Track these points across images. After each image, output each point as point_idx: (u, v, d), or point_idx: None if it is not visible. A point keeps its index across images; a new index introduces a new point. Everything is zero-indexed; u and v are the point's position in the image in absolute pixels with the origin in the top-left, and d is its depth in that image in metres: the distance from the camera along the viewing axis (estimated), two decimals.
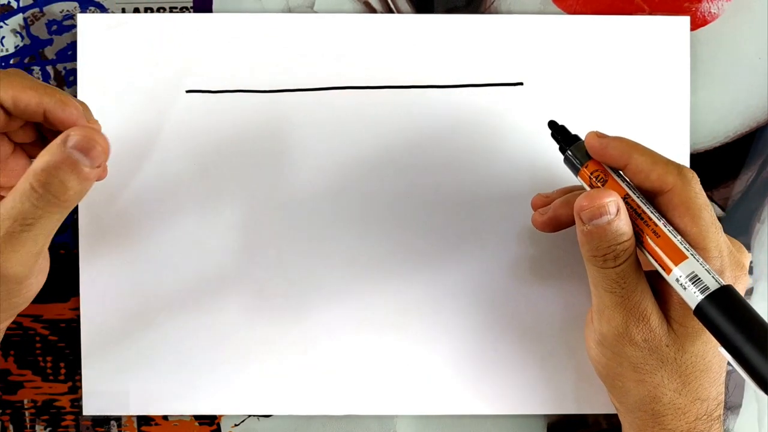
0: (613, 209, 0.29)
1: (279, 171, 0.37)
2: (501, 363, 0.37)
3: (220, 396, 0.37)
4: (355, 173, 0.37)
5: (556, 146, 0.34)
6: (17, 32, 0.38)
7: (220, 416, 0.38)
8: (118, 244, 0.37)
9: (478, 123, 0.37)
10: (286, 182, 0.37)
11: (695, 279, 0.28)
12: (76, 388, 0.38)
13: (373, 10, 0.38)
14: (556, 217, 0.33)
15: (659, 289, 0.31)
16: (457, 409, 0.37)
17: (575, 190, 0.34)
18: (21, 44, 0.38)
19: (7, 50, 0.38)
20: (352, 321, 0.37)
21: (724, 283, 0.28)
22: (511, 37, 0.37)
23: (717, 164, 0.38)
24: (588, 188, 0.32)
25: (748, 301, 0.38)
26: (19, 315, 0.35)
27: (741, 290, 0.31)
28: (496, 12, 0.38)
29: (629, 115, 0.37)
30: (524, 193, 0.37)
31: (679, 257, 0.29)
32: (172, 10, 0.38)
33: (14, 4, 0.38)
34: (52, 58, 0.38)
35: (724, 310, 0.27)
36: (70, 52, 0.38)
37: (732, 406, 0.38)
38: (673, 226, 0.30)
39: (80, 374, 0.37)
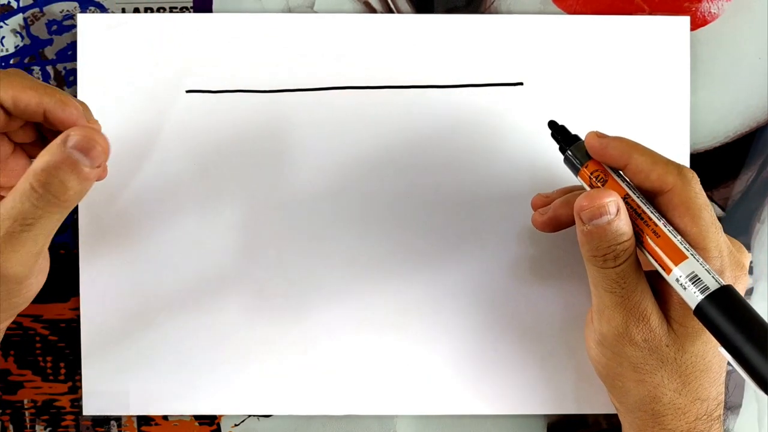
0: (613, 209, 0.29)
1: (279, 171, 0.37)
2: (501, 363, 0.37)
3: (220, 396, 0.37)
4: (355, 173, 0.37)
5: (557, 146, 0.34)
6: (17, 32, 0.38)
7: (220, 416, 0.38)
8: (118, 244, 0.37)
9: (478, 123, 0.37)
10: (286, 182, 0.37)
11: (695, 279, 0.28)
12: (76, 388, 0.38)
13: (373, 10, 0.38)
14: (556, 217, 0.33)
15: (659, 289, 0.31)
16: (457, 409, 0.37)
17: (575, 190, 0.34)
18: (21, 44, 0.38)
19: (7, 50, 0.38)
20: (352, 321, 0.37)
21: (724, 283, 0.28)
22: (511, 37, 0.37)
23: (717, 164, 0.38)
24: (588, 188, 0.32)
25: (748, 301, 0.38)
26: (19, 315, 0.35)
27: (741, 290, 0.30)
28: (496, 12, 0.38)
29: (629, 115, 0.37)
30: (524, 193, 0.37)
31: (679, 257, 0.29)
32: (172, 10, 0.38)
33: (14, 4, 0.38)
34: (52, 58, 0.38)
35: (724, 310, 0.27)
36: (70, 52, 0.38)
37: (732, 406, 0.38)
38: (673, 226, 0.30)
39: (80, 374, 0.37)
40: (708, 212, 0.30)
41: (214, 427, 0.38)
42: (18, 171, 0.32)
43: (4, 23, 0.38)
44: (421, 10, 0.38)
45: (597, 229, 0.29)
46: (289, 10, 0.38)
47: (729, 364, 0.32)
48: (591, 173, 0.32)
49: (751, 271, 0.38)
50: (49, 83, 0.35)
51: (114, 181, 0.36)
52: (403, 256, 0.37)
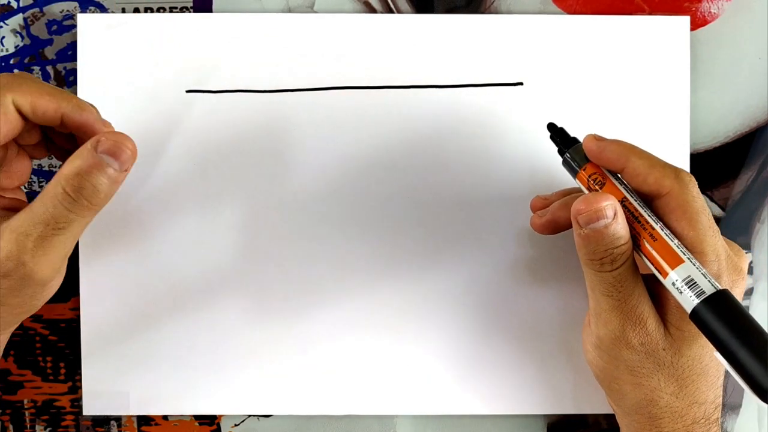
0: (610, 213, 0.29)
1: (279, 171, 0.37)
2: (501, 363, 0.37)
3: (220, 396, 0.37)
4: (355, 173, 0.37)
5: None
6: (17, 32, 0.38)
7: (220, 416, 0.38)
8: (118, 244, 0.37)
9: (478, 123, 0.37)
10: (286, 182, 0.37)
11: (691, 283, 0.28)
12: (76, 388, 0.38)
13: (373, 10, 0.38)
14: (555, 219, 0.33)
15: (657, 292, 0.31)
16: (457, 410, 0.37)
17: (574, 193, 0.34)
18: (21, 44, 0.38)
19: (7, 50, 0.38)
20: (352, 321, 0.37)
21: (720, 287, 0.28)
22: (511, 37, 0.37)
23: (717, 164, 0.38)
24: (586, 191, 0.32)
25: (748, 301, 0.38)
26: None
27: (739, 294, 0.30)
28: (496, 12, 0.38)
29: (629, 115, 0.37)
30: (524, 193, 0.37)
31: (675, 261, 0.29)
32: (172, 10, 0.38)
33: (14, 4, 0.38)
34: (52, 58, 0.38)
35: (720, 314, 0.27)
36: (70, 52, 0.38)
37: (732, 406, 0.38)
38: (670, 230, 0.30)
39: (80, 374, 0.37)
40: (705, 216, 0.30)
41: (214, 427, 0.38)
42: (20, 173, 0.32)
43: (4, 23, 0.38)
44: (421, 10, 0.38)
45: (594, 233, 0.29)
46: (289, 10, 0.38)
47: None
48: (589, 176, 0.32)
49: (751, 271, 0.38)
50: (48, 83, 0.35)
51: None
52: (404, 257, 0.37)
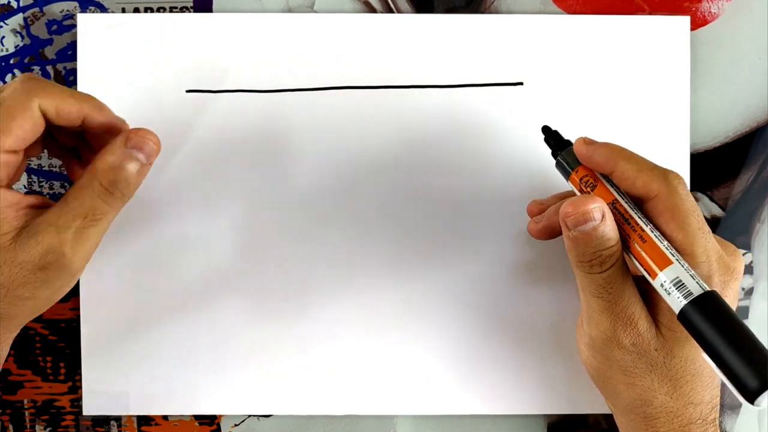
0: (598, 215, 0.29)
1: (279, 171, 0.37)
2: (501, 363, 0.37)
3: (220, 396, 0.37)
4: (355, 173, 0.37)
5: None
6: (17, 32, 0.38)
7: (220, 416, 0.38)
8: (119, 244, 0.37)
9: (477, 123, 0.37)
10: (286, 182, 0.37)
11: (679, 284, 0.28)
12: (76, 388, 0.38)
13: (373, 10, 0.38)
14: (551, 225, 0.33)
15: (648, 293, 0.31)
16: (457, 410, 0.37)
17: (570, 196, 0.34)
18: (21, 44, 0.38)
19: (7, 50, 0.38)
20: (352, 321, 0.37)
21: (708, 288, 0.28)
22: (511, 37, 0.37)
23: (717, 164, 0.38)
24: (578, 193, 0.32)
25: (748, 301, 0.38)
26: None
27: (732, 295, 0.30)
28: (496, 12, 0.38)
29: (629, 115, 0.37)
30: (524, 193, 0.37)
31: (664, 262, 0.29)
32: (172, 10, 0.38)
33: (14, 4, 0.38)
34: (52, 58, 0.38)
35: (707, 316, 0.27)
36: (70, 52, 0.38)
37: (732, 406, 0.38)
38: (660, 232, 0.30)
39: (80, 374, 0.37)
40: (694, 217, 0.30)
41: (214, 427, 0.38)
42: (9, 168, 0.31)
43: (4, 23, 0.38)
44: (421, 10, 0.38)
45: (582, 235, 0.29)
46: (289, 10, 0.38)
47: None
48: (581, 179, 0.32)
49: (751, 271, 0.38)
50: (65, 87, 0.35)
51: None
52: (403, 256, 0.37)
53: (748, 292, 0.39)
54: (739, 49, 0.38)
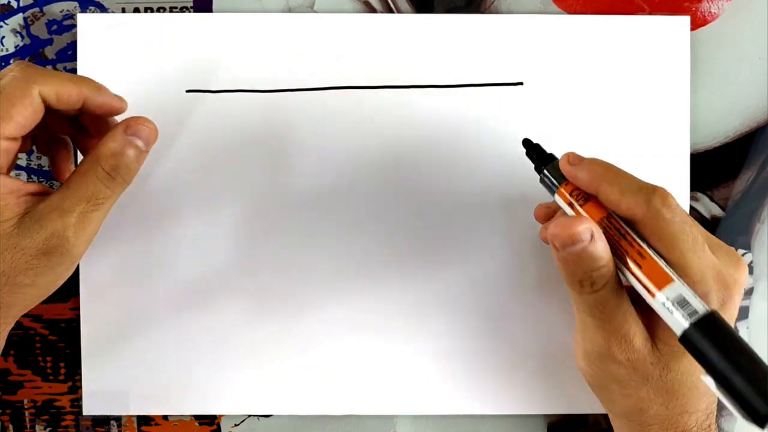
0: (587, 236, 0.28)
1: (279, 171, 0.37)
2: (501, 364, 0.37)
3: (220, 396, 0.37)
4: (355, 173, 0.37)
5: (557, 145, 0.34)
6: (17, 32, 0.38)
7: (220, 416, 0.38)
8: (118, 244, 0.37)
9: (477, 123, 0.37)
10: (286, 182, 0.37)
11: (683, 303, 0.27)
12: (76, 388, 0.38)
13: (373, 10, 0.38)
14: None
15: (645, 306, 0.30)
16: (457, 410, 0.37)
17: None
18: (21, 44, 0.38)
19: (7, 50, 0.38)
20: (352, 321, 0.37)
21: (709, 309, 0.27)
22: (511, 37, 0.37)
23: (717, 164, 0.38)
24: (567, 207, 0.32)
25: (747, 301, 0.38)
26: None
27: (732, 311, 0.30)
28: (496, 12, 0.38)
29: (629, 115, 0.37)
30: (524, 194, 0.37)
31: (664, 280, 0.28)
32: (172, 10, 0.38)
33: (14, 4, 0.38)
34: (52, 58, 0.38)
35: (711, 337, 0.26)
36: (70, 52, 0.38)
37: None
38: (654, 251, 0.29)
39: (80, 374, 0.37)
40: (683, 238, 0.29)
41: (214, 427, 0.38)
42: (9, 155, 0.31)
43: (4, 23, 0.38)
44: (421, 10, 0.38)
45: (571, 256, 0.29)
46: (289, 10, 0.38)
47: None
48: (571, 192, 0.31)
49: (751, 271, 0.38)
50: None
51: None
52: (404, 256, 0.37)
53: (748, 292, 0.39)
54: (739, 49, 0.38)
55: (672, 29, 0.37)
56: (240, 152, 0.37)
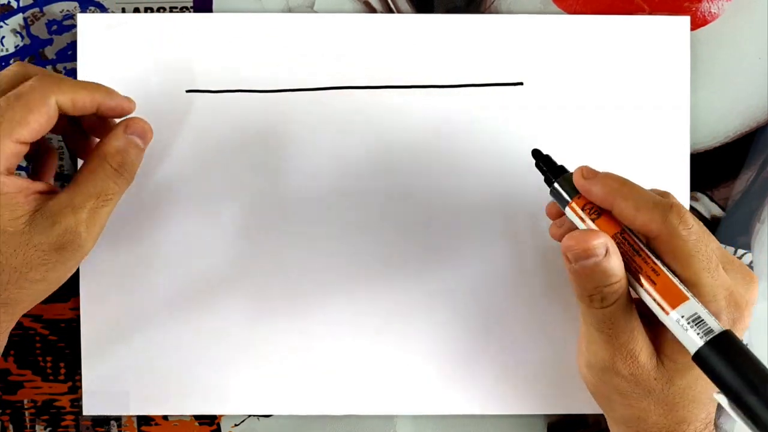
0: (601, 251, 0.28)
1: (279, 171, 0.37)
2: (501, 363, 0.37)
3: (220, 396, 0.37)
4: (355, 173, 0.37)
5: (557, 145, 0.34)
6: (17, 32, 0.38)
7: (220, 416, 0.38)
8: (118, 244, 0.37)
9: (478, 123, 0.37)
10: (286, 182, 0.37)
11: (698, 321, 0.27)
12: (76, 388, 0.38)
13: (373, 10, 0.38)
14: (572, 228, 0.32)
15: (653, 321, 0.30)
16: (457, 410, 0.37)
17: None
18: (21, 44, 0.38)
19: (7, 50, 0.38)
20: (352, 321, 0.37)
21: (723, 328, 0.27)
22: (511, 37, 0.37)
23: (717, 164, 0.38)
24: (578, 221, 0.31)
25: None
26: None
27: (741, 330, 0.30)
28: (496, 12, 0.38)
29: (629, 115, 0.37)
30: (524, 193, 0.37)
31: (679, 299, 0.28)
32: (172, 10, 0.38)
33: (14, 4, 0.38)
34: (52, 58, 0.38)
35: (726, 356, 0.26)
36: (70, 52, 0.38)
37: None
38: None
39: (80, 374, 0.37)
40: (698, 258, 0.29)
41: (214, 427, 0.38)
42: (18, 158, 0.32)
43: (4, 23, 0.38)
44: (421, 10, 0.38)
45: (584, 270, 0.29)
46: (289, 10, 0.38)
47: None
48: (584, 206, 0.31)
49: None
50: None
51: None
52: (404, 256, 0.37)
53: None
54: (739, 49, 0.38)
55: (672, 29, 0.37)
56: (240, 152, 0.37)
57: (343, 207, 0.37)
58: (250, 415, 0.38)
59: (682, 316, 0.28)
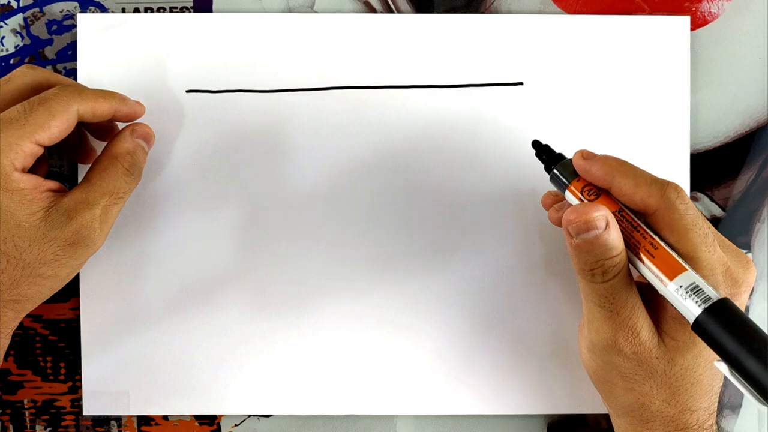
0: (602, 224, 0.29)
1: (279, 171, 0.37)
2: (501, 363, 0.37)
3: (220, 396, 0.37)
4: (355, 173, 0.37)
5: (557, 144, 0.34)
6: (17, 32, 0.38)
7: (220, 416, 0.38)
8: (119, 244, 0.37)
9: (478, 123, 0.37)
10: (286, 182, 0.37)
11: (696, 290, 0.28)
12: (76, 388, 0.38)
13: (373, 10, 0.38)
14: None
15: (653, 301, 0.31)
16: (457, 410, 0.37)
17: None
18: (21, 44, 0.38)
19: (7, 50, 0.38)
20: (352, 321, 0.37)
21: (720, 295, 0.28)
22: (511, 37, 0.37)
23: (717, 164, 0.38)
24: (577, 203, 0.32)
25: (748, 301, 0.38)
26: None
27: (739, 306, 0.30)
28: (496, 12, 0.38)
29: (629, 115, 0.37)
30: (524, 193, 0.37)
31: (677, 269, 0.28)
32: (172, 10, 0.38)
33: (14, 4, 0.38)
34: (52, 58, 0.38)
35: (724, 322, 0.27)
36: (70, 52, 0.38)
37: (732, 406, 0.38)
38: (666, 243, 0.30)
39: (80, 374, 0.37)
40: (696, 231, 0.30)
41: (214, 427, 0.38)
42: (34, 159, 0.33)
43: (4, 23, 0.38)
44: (421, 10, 0.38)
45: (585, 243, 0.29)
46: (289, 10, 0.38)
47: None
48: (582, 188, 0.32)
49: None
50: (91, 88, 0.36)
51: None
52: (404, 256, 0.37)
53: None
54: (739, 49, 0.38)
55: (672, 29, 0.37)
56: (240, 152, 0.37)
57: (342, 206, 0.37)
58: (250, 415, 0.38)
59: (681, 286, 0.28)
